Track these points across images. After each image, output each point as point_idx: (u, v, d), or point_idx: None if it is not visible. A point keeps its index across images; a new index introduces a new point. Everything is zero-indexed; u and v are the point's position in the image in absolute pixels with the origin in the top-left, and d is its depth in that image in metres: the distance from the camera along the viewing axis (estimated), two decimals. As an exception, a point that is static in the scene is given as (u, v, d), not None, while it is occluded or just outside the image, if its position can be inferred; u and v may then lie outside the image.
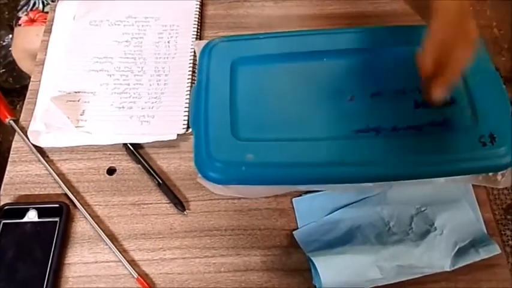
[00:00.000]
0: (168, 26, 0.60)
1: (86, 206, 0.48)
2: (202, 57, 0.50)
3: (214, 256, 0.46)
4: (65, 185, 0.49)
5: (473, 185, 0.48)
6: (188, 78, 0.55)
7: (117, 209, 0.49)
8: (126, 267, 0.45)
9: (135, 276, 0.44)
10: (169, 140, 0.51)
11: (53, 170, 0.50)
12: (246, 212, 0.48)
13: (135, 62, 0.57)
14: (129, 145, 0.51)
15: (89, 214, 0.48)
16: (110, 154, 0.52)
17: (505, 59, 1.33)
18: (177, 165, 0.51)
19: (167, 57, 0.57)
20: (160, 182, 0.49)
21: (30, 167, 0.51)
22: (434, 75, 0.40)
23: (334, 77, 0.48)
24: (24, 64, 0.89)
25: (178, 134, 0.51)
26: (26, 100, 0.55)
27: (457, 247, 0.44)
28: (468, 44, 0.40)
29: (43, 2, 0.86)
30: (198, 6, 0.61)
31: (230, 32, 0.59)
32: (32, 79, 0.57)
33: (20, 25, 0.86)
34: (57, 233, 0.46)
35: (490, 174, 0.43)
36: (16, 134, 0.53)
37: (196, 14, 0.60)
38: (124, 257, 0.45)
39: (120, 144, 0.51)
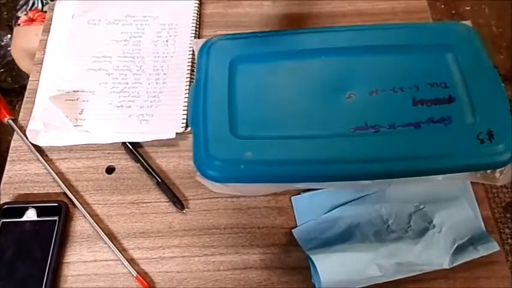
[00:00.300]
0: (166, 25, 0.60)
1: (85, 205, 0.48)
2: (201, 55, 0.50)
3: (214, 254, 0.46)
4: (64, 184, 0.49)
5: (471, 183, 0.48)
6: (187, 77, 0.55)
7: (116, 207, 0.49)
8: (125, 266, 0.45)
9: (134, 275, 0.44)
10: (168, 139, 0.51)
11: (52, 169, 0.50)
12: (245, 211, 0.48)
13: (133, 61, 0.57)
14: (128, 144, 0.51)
15: (88, 213, 0.48)
16: (108, 153, 0.52)
17: (503, 57, 1.34)
18: (176, 163, 0.51)
19: (166, 56, 0.57)
20: (159, 180, 0.49)
21: (29, 166, 0.51)
22: None
23: (332, 75, 0.48)
24: (23, 64, 0.89)
25: (177, 133, 0.51)
26: (25, 99, 0.55)
27: (456, 244, 0.44)
28: None
29: (42, 2, 0.86)
30: (197, 5, 0.61)
31: (228, 31, 0.58)
32: (30, 78, 0.57)
33: (19, 25, 0.86)
34: (56, 232, 0.46)
35: (489, 171, 0.43)
36: (15, 133, 0.53)
37: (194, 13, 0.60)
38: (123, 256, 0.45)
39: (119, 143, 0.51)
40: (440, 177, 0.44)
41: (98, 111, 0.53)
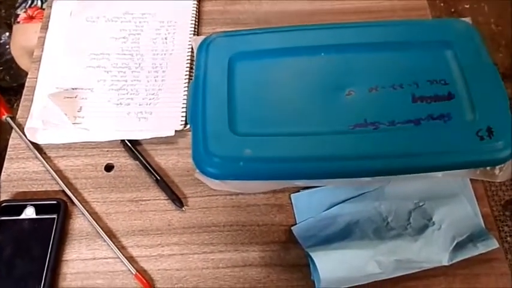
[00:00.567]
0: (165, 22, 0.60)
1: (84, 202, 0.48)
2: (200, 52, 0.50)
3: (213, 252, 0.46)
4: (63, 182, 0.49)
5: (470, 180, 0.48)
6: (186, 74, 0.55)
7: (115, 205, 0.48)
8: (124, 264, 0.45)
9: (134, 273, 0.44)
10: (167, 136, 0.51)
11: (51, 167, 0.50)
12: (244, 208, 0.48)
13: (132, 59, 0.57)
14: (126, 141, 0.51)
15: (87, 211, 0.48)
16: (107, 151, 0.52)
17: (502, 55, 1.34)
18: (175, 161, 0.51)
19: (165, 54, 0.57)
20: (158, 178, 0.49)
21: (28, 164, 0.51)
22: None
23: (332, 72, 0.48)
24: (22, 61, 0.89)
25: (176, 130, 0.51)
26: (23, 97, 0.55)
27: (455, 241, 0.44)
28: None
29: (41, -1, 0.86)
30: (196, 2, 0.61)
31: (227, 28, 0.58)
32: (28, 76, 0.56)
33: (18, 22, 0.86)
34: (55, 230, 0.46)
35: (488, 168, 0.43)
36: (13, 131, 0.53)
37: (193, 10, 0.60)
38: (122, 254, 0.45)
39: (118, 140, 0.51)
40: (440, 174, 0.44)
41: (97, 109, 0.53)
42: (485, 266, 0.44)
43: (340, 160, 0.42)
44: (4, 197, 0.49)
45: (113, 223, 0.47)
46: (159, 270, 0.45)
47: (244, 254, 0.46)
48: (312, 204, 0.48)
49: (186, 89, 0.54)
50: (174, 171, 0.50)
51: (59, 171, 0.50)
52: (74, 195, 0.48)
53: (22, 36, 0.85)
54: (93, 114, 0.53)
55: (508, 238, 1.13)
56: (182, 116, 0.52)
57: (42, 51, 0.57)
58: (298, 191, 0.48)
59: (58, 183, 0.49)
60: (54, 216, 0.46)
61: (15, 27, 0.87)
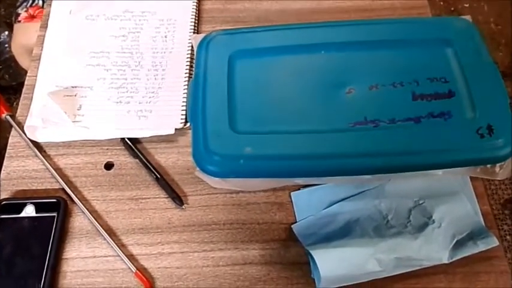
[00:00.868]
0: (165, 21, 0.60)
1: (84, 201, 0.48)
2: (200, 51, 0.50)
3: (213, 250, 0.46)
4: (63, 180, 0.49)
5: (470, 178, 0.48)
6: (186, 73, 0.55)
7: (115, 203, 0.48)
8: (124, 262, 0.45)
9: (134, 271, 0.44)
10: (167, 135, 0.51)
11: (50, 165, 0.50)
12: (245, 206, 0.48)
13: (132, 57, 0.57)
14: (126, 140, 0.51)
15: (87, 209, 0.47)
16: (107, 149, 0.52)
17: (502, 54, 1.34)
18: (175, 159, 0.51)
19: (164, 52, 0.57)
20: (158, 176, 0.49)
21: (27, 162, 0.51)
22: None
23: (332, 70, 0.48)
24: (23, 61, 0.89)
25: (176, 129, 0.51)
26: (23, 95, 0.55)
27: (455, 239, 0.44)
28: None
29: (43, -2, 0.85)
30: (195, 0, 0.61)
31: (227, 27, 0.58)
32: (28, 74, 0.56)
33: (19, 21, 0.86)
34: (55, 228, 0.46)
35: (489, 166, 0.43)
36: (13, 129, 0.53)
37: (193, 8, 0.60)
38: (122, 252, 0.45)
39: (118, 139, 0.51)
40: (440, 172, 0.44)
41: (97, 107, 0.53)
42: (485, 264, 0.44)
43: (340, 158, 0.42)
44: (4, 195, 0.49)
45: (113, 221, 0.47)
46: (159, 268, 0.45)
47: (244, 252, 0.46)
48: (312, 202, 0.48)
49: (186, 87, 0.54)
50: (174, 170, 0.50)
51: (58, 170, 0.50)
52: (73, 193, 0.48)
53: (23, 36, 0.85)
54: (93, 112, 0.53)
55: (508, 236, 1.14)
56: (182, 114, 0.52)
57: (41, 49, 0.57)
58: (299, 189, 0.48)
59: (58, 182, 0.49)
60: (54, 214, 0.46)
61: (16, 26, 0.87)
